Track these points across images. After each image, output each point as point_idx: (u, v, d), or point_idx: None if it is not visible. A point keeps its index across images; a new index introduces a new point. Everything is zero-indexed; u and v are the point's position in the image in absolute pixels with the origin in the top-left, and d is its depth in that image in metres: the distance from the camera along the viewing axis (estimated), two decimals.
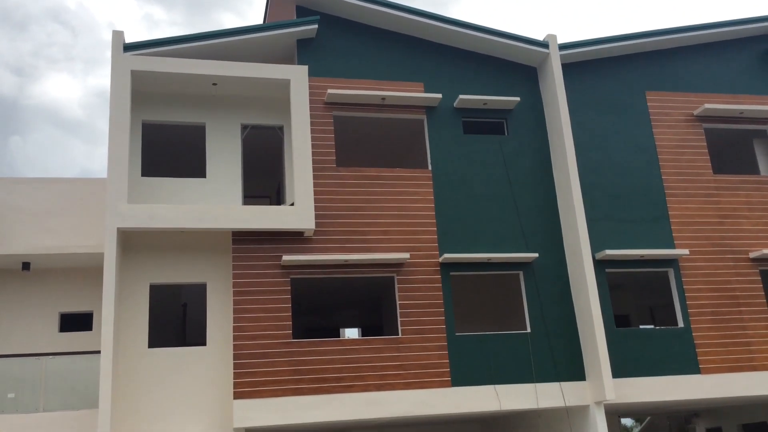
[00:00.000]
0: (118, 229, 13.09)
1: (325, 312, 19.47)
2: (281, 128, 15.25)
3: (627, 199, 15.80)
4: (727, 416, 21.31)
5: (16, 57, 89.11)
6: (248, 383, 13.05)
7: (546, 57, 16.25)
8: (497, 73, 16.33)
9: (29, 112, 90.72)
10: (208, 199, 14.21)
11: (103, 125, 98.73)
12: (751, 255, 15.89)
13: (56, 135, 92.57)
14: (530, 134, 16.08)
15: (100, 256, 13.32)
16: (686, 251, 15.45)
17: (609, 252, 14.93)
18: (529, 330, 14.75)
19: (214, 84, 14.58)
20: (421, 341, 14.10)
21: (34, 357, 13.05)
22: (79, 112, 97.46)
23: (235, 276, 13.71)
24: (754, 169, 17.68)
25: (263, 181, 17.95)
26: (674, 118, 16.83)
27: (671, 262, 15.51)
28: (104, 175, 14.29)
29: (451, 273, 14.72)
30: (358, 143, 17.11)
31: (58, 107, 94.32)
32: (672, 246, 15.61)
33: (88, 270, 14.94)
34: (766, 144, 17.63)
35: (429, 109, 15.66)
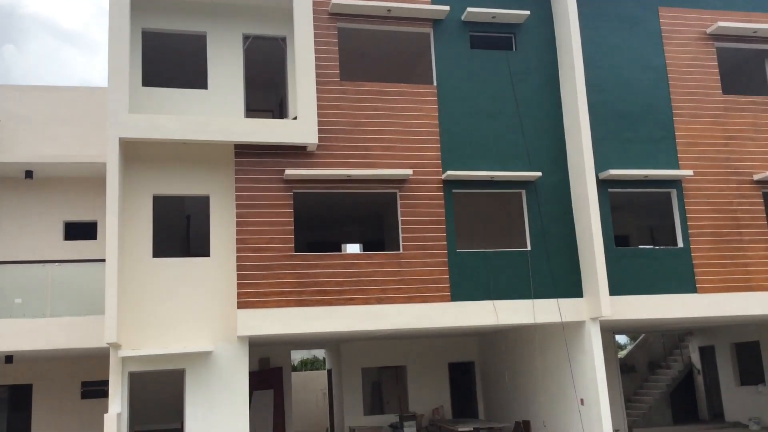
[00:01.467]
0: (120, 138, 13.04)
1: (328, 227, 19.63)
2: (284, 39, 14.92)
3: (634, 119, 15.62)
4: (720, 335, 21.79)
5: None
6: (251, 294, 13.30)
7: None
8: None
9: (25, 20, 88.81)
10: (210, 110, 14.06)
11: (101, 36, 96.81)
12: (755, 177, 15.84)
13: (53, 45, 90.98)
14: (539, 50, 15.73)
15: (103, 166, 13.34)
16: (690, 172, 15.39)
17: (613, 172, 14.88)
18: (529, 248, 14.88)
19: None
20: (422, 257, 14.26)
21: (40, 264, 13.25)
22: (76, 22, 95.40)
23: (237, 189, 13.74)
24: (763, 90, 17.38)
25: (266, 94, 17.73)
26: (686, 36, 16.42)
27: (674, 182, 15.48)
28: (104, 86, 14.12)
29: (454, 190, 14.73)
30: (362, 57, 16.79)
31: (55, 16, 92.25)
32: (676, 166, 15.54)
33: (91, 180, 14.99)
34: None
35: (435, 22, 15.27)
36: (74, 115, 15.50)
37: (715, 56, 16.47)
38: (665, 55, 16.16)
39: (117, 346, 12.65)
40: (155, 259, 13.51)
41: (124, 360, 12.80)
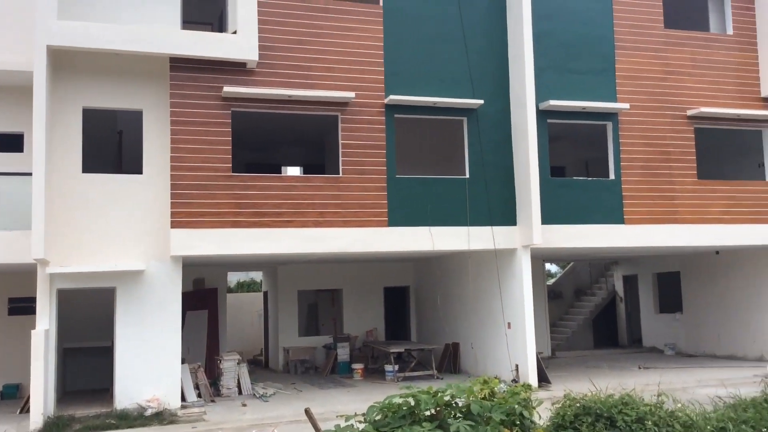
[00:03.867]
0: (48, 46, 12.37)
1: (268, 148, 19.33)
2: None
3: (576, 49, 15.67)
4: (643, 265, 22.78)
5: None
6: (186, 213, 13.08)
7: None
8: None
9: None
10: (144, 20, 13.40)
11: None
12: (689, 112, 16.25)
13: None
14: None
15: (30, 75, 12.62)
16: (627, 105, 15.65)
17: (553, 102, 15.01)
18: (467, 176, 15.02)
19: None
20: (361, 181, 14.23)
21: None
22: None
23: (172, 105, 13.30)
24: (704, 26, 17.63)
25: (204, 5, 16.95)
26: None
27: (611, 115, 15.74)
28: None
29: (396, 115, 14.63)
30: None
31: None
32: (614, 99, 15.77)
33: (17, 89, 14.14)
34: (720, 1, 17.48)
35: None
36: None
37: None
38: None
39: (45, 263, 12.33)
40: (85, 175, 13.09)
41: (52, 276, 12.51)
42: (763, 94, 16.94)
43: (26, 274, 13.91)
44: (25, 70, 13.40)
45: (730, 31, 17.17)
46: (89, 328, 15.70)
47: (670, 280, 21.79)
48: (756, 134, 17.22)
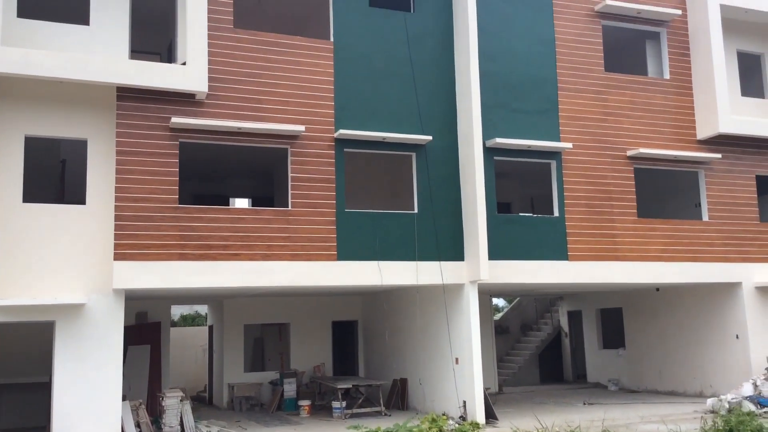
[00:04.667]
0: None
1: (216, 180, 19.16)
2: None
3: (521, 89, 16.09)
4: (587, 301, 23.22)
5: None
6: (130, 245, 12.80)
7: None
8: None
9: None
10: (91, 48, 13.24)
11: None
12: (628, 153, 16.80)
13: None
14: (436, 13, 15.82)
15: None
16: (570, 145, 16.09)
17: (499, 140, 15.33)
18: (416, 211, 15.14)
19: None
20: (311, 215, 14.20)
21: None
22: None
23: (119, 135, 13.10)
24: (642, 71, 18.35)
25: (154, 35, 16.86)
26: (576, 12, 16.99)
27: (555, 154, 16.15)
28: None
29: (345, 149, 14.71)
30: (258, 4, 16.30)
31: None
32: (557, 139, 16.20)
33: None
34: (657, 47, 18.26)
35: None
36: None
37: (601, 34, 17.19)
38: (555, 29, 16.68)
39: None
40: (25, 205, 12.71)
41: None
42: (699, 137, 17.67)
43: None
44: None
45: (667, 75, 17.91)
46: (25, 363, 15.11)
47: (613, 316, 22.25)
48: (692, 175, 17.89)
